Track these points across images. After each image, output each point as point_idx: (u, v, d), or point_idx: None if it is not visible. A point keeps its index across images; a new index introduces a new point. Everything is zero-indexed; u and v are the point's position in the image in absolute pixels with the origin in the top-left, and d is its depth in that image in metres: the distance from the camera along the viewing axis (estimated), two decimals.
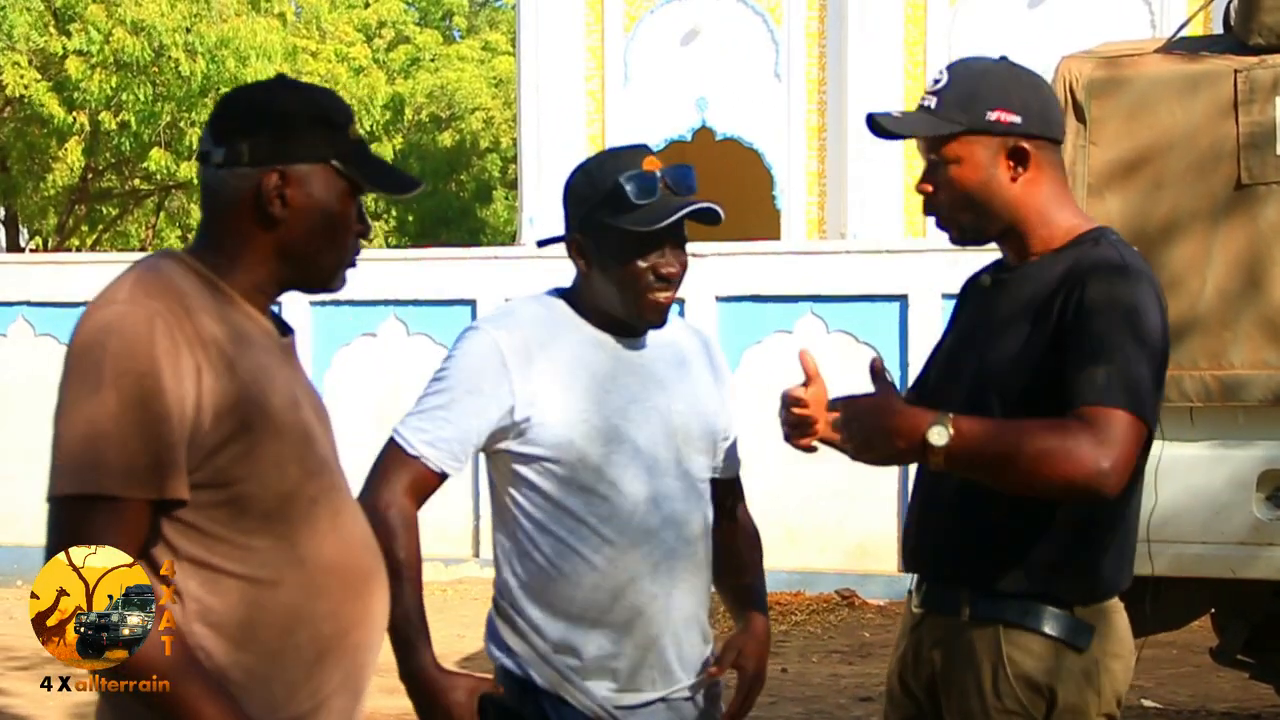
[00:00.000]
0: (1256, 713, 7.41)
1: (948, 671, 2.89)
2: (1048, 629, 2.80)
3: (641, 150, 3.04)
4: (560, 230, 3.10)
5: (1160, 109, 5.51)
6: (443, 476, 2.98)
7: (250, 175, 2.37)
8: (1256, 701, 7.46)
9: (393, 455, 2.97)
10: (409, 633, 2.86)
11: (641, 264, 2.97)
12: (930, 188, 2.91)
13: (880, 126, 2.91)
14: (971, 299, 3.05)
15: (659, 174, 2.97)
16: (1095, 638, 2.82)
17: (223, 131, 2.40)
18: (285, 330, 2.50)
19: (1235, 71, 5.41)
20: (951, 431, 2.63)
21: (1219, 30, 5.95)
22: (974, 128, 2.83)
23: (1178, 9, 15.79)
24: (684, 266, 3.03)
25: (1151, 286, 2.77)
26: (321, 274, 2.45)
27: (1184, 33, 6.02)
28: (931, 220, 2.99)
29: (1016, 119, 2.83)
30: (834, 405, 2.84)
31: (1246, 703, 7.56)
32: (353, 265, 2.48)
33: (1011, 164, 2.85)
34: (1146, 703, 7.54)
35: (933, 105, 2.86)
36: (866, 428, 2.72)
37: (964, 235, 2.93)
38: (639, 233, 2.94)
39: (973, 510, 2.82)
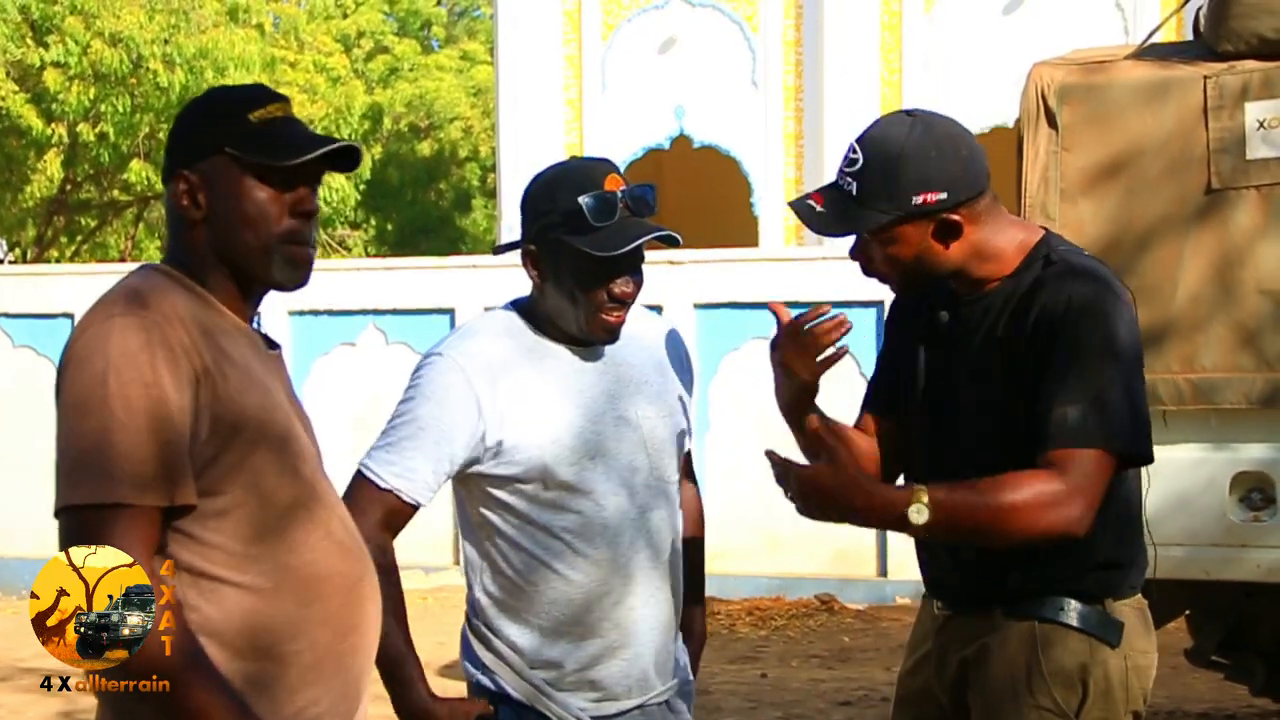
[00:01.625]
0: (1232, 713, 7.44)
1: (980, 670, 2.88)
2: (1082, 624, 2.81)
3: (604, 166, 2.99)
4: (518, 236, 3.06)
5: (1131, 115, 5.55)
6: (416, 507, 2.95)
7: (171, 187, 2.40)
8: (1232, 702, 7.50)
9: (364, 490, 2.93)
10: (403, 668, 2.87)
11: (596, 286, 2.95)
12: (864, 259, 2.90)
13: (807, 225, 2.88)
14: (923, 321, 3.01)
15: (619, 194, 2.93)
16: (1124, 634, 2.83)
17: (166, 152, 2.46)
18: (271, 345, 2.51)
19: (1205, 77, 5.45)
20: (929, 510, 2.66)
21: (1190, 37, 6.00)
22: (902, 215, 2.79)
23: (1150, 15, 15.86)
24: (639, 286, 3.00)
25: (1114, 291, 2.78)
26: (254, 264, 2.40)
27: (1155, 39, 6.08)
28: None
29: (943, 195, 2.78)
30: (784, 470, 2.77)
31: (1222, 703, 7.59)
32: (300, 256, 2.42)
33: (941, 237, 2.81)
34: None
35: (853, 190, 2.81)
36: (831, 505, 2.71)
37: (904, 292, 2.96)
38: (596, 256, 2.91)
39: None
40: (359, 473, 2.96)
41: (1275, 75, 5.36)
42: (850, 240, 2.93)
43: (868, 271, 2.91)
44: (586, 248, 2.90)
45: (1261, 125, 5.36)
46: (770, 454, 2.81)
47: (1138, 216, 5.52)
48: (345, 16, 32.32)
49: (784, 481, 2.77)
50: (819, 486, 2.71)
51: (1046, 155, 5.59)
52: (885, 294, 10.93)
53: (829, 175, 15.76)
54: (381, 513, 2.92)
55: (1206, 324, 5.44)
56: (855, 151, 2.83)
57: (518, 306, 3.09)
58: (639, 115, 17.99)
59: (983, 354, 2.85)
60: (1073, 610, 2.82)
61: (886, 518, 2.69)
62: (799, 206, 2.89)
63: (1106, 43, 12.06)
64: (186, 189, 2.38)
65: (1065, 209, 5.51)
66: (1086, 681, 2.81)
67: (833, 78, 17.17)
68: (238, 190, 2.38)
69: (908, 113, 2.88)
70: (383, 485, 2.93)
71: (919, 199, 2.77)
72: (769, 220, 17.78)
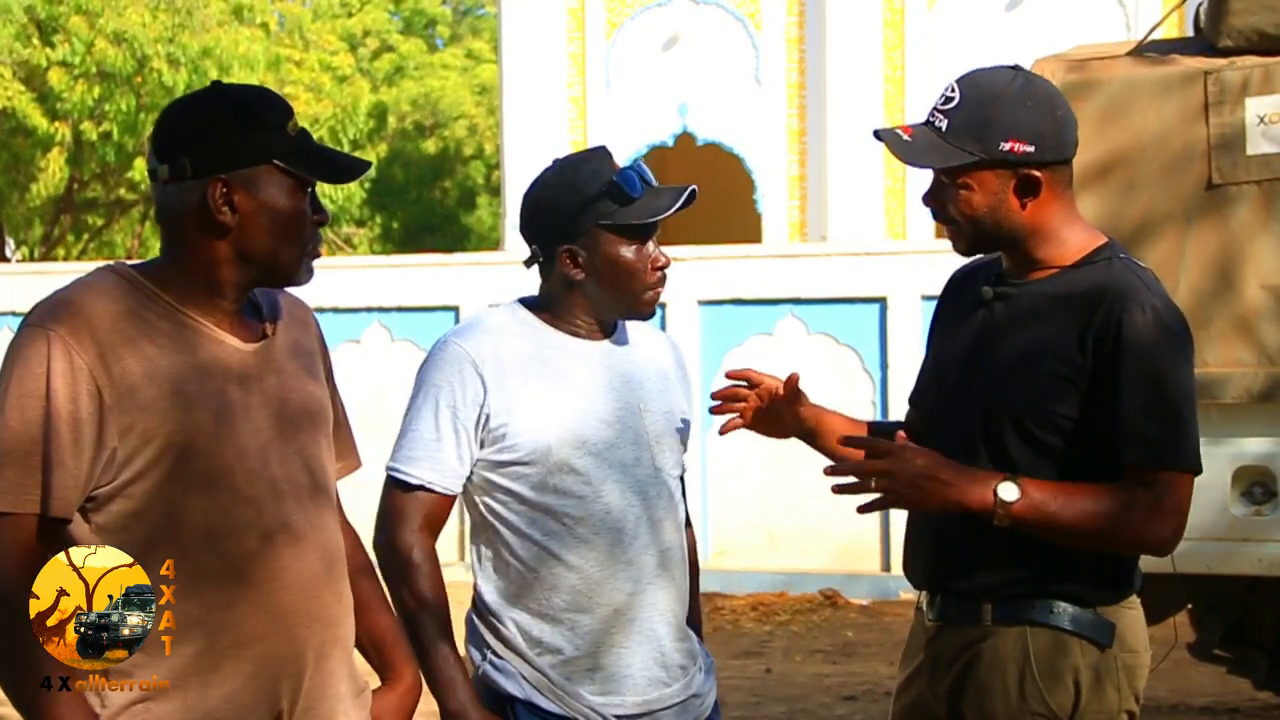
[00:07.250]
0: (1235, 707, 7.46)
1: (972, 677, 2.86)
2: (1073, 627, 2.80)
3: (604, 152, 3.08)
4: (529, 252, 3.08)
5: (1132, 111, 5.56)
6: (452, 498, 3.00)
7: (195, 187, 2.41)
8: (1235, 696, 7.51)
9: (395, 493, 2.98)
10: (449, 672, 2.92)
11: (642, 258, 3.01)
12: (937, 205, 2.89)
13: (893, 152, 2.89)
14: (964, 306, 2.99)
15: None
16: (1116, 634, 2.82)
17: (164, 148, 2.44)
18: (264, 328, 2.54)
19: (1205, 73, 5.45)
20: (1019, 489, 2.68)
21: (1190, 33, 6.01)
22: (987, 159, 2.78)
23: (1152, 12, 15.86)
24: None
25: (1177, 310, 2.79)
26: (282, 270, 2.49)
27: (1156, 35, 6.09)
28: (911, 222, 3.00)
29: (1030, 149, 2.77)
30: (872, 451, 2.78)
31: (1225, 697, 7.60)
32: (315, 255, 2.52)
33: (1021, 192, 2.80)
34: None
35: (943, 127, 2.80)
36: (925, 487, 2.72)
37: (969, 249, 2.93)
38: (639, 225, 2.97)
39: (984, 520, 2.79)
40: (387, 476, 3.00)
41: (1276, 70, 5.36)
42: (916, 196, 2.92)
43: (938, 217, 2.90)
44: (635, 219, 2.97)
45: (1262, 121, 5.36)
46: (867, 442, 2.83)
47: (1138, 212, 5.52)
48: (350, 15, 32.33)
49: (861, 470, 2.78)
50: (913, 467, 2.71)
51: None
52: (888, 290, 10.92)
53: (832, 172, 15.75)
54: (421, 513, 2.97)
55: (1207, 319, 5.44)
56: (953, 90, 2.83)
57: (525, 304, 3.12)
58: (643, 113, 18.01)
59: (1024, 342, 2.82)
60: (1064, 613, 2.80)
61: (982, 490, 2.69)
62: (886, 134, 2.88)
63: (1107, 39, 12.07)
64: (224, 194, 2.41)
65: None
66: (1079, 684, 2.80)
67: (835, 75, 17.19)
68: (285, 199, 2.44)
69: (1013, 67, 2.88)
70: (413, 482, 2.97)
71: (1006, 146, 2.77)
72: (772, 216, 17.80)
